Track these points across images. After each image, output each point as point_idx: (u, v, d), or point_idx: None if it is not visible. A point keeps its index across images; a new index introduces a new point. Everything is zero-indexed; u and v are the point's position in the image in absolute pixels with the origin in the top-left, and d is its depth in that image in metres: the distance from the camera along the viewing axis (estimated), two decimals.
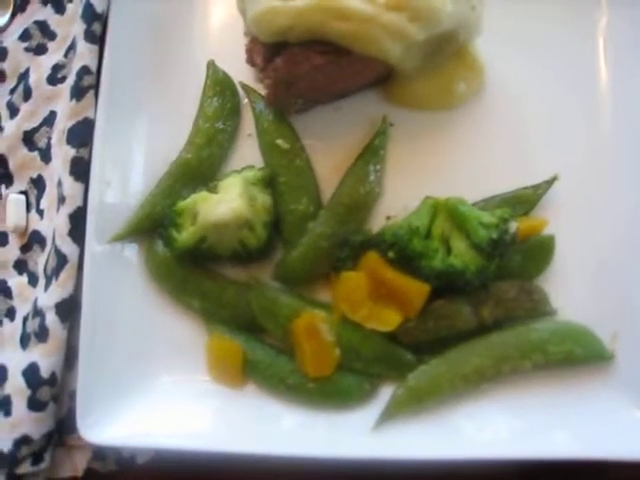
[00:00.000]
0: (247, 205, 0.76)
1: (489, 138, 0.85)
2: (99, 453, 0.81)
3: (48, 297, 0.80)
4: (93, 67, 0.85)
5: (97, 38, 0.86)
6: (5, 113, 0.90)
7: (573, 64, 0.87)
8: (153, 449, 0.79)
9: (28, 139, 0.89)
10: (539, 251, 0.80)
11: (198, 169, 0.83)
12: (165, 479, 0.81)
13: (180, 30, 0.89)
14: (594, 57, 0.87)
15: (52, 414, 0.79)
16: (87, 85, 0.84)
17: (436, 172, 0.84)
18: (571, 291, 0.80)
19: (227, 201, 0.75)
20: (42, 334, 0.80)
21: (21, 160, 0.89)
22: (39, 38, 0.92)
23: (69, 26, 0.91)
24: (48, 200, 0.86)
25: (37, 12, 0.93)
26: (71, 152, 0.83)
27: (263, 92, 0.83)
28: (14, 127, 0.89)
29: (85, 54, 0.85)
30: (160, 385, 0.80)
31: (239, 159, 0.85)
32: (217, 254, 0.80)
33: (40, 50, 0.92)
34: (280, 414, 0.77)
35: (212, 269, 0.82)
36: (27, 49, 0.92)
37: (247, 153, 0.85)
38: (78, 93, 0.84)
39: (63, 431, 0.81)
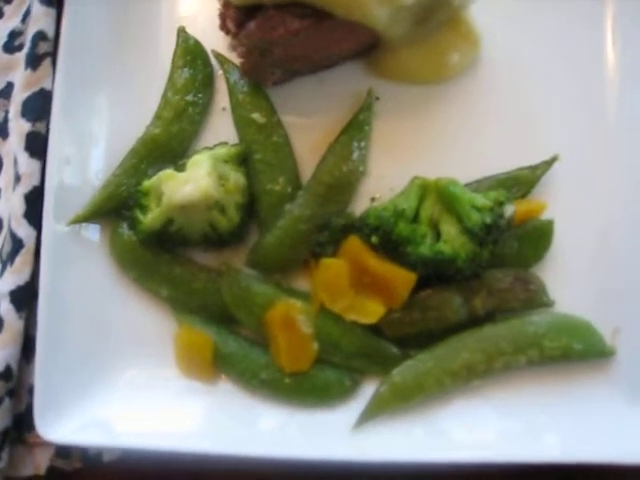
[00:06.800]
0: (216, 185, 0.73)
1: (484, 114, 0.81)
2: (62, 450, 0.78)
3: (2, 284, 0.77)
4: (50, 32, 0.81)
5: (54, 0, 0.81)
6: None
7: (578, 36, 0.82)
8: (118, 448, 0.76)
9: None
10: (536, 237, 0.76)
11: (166, 146, 0.79)
12: (134, 478, 0.78)
13: None
14: (601, 28, 0.82)
15: (8, 410, 0.76)
16: (43, 52, 0.80)
17: (425, 150, 0.80)
18: (570, 281, 0.76)
19: (193, 180, 0.71)
20: None
21: None
22: None
23: None
24: (5, 179, 0.82)
25: None
26: (26, 126, 0.79)
27: (238, 62, 0.79)
28: None
29: (40, 18, 0.80)
30: (125, 379, 0.77)
31: (212, 135, 0.82)
32: (186, 238, 0.76)
33: None
34: (254, 411, 0.75)
35: (182, 254, 0.79)
36: None
37: (221, 128, 0.82)
38: (33, 61, 0.80)
39: (22, 428, 0.78)
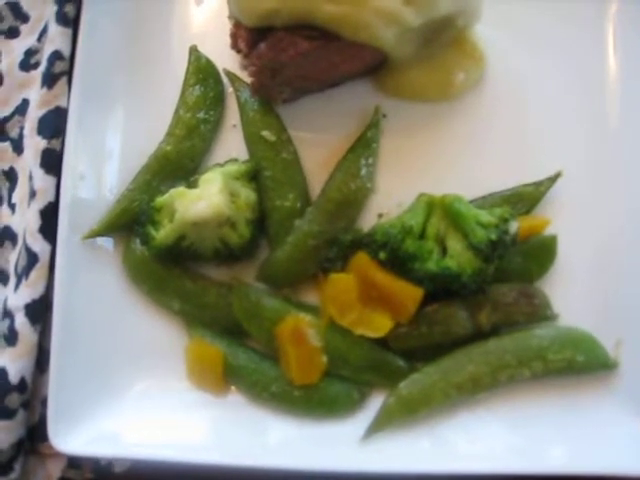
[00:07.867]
0: (228, 201, 0.73)
1: (489, 131, 0.82)
2: (74, 461, 0.79)
3: (17, 298, 0.77)
4: (66, 52, 0.82)
5: (70, 21, 0.82)
6: None
7: (580, 53, 0.83)
8: (129, 459, 0.76)
9: None
10: (540, 252, 0.77)
11: (178, 162, 0.80)
12: None
13: (161, 13, 0.85)
14: (602, 46, 0.83)
15: (22, 422, 0.76)
16: (59, 71, 0.81)
17: (432, 167, 0.81)
18: (573, 295, 0.77)
19: (206, 197, 0.72)
20: (11, 337, 0.76)
21: None
22: (11, 20, 0.89)
23: (43, 8, 0.87)
24: (20, 194, 0.83)
25: None
26: (42, 143, 0.80)
27: (248, 80, 0.79)
28: None
29: (56, 38, 0.81)
30: (137, 391, 0.77)
31: (223, 152, 0.82)
32: (198, 253, 0.76)
33: (12, 33, 0.88)
34: (264, 423, 0.75)
35: (193, 269, 0.79)
36: None
37: (231, 145, 0.82)
38: (49, 80, 0.81)
39: (35, 439, 0.79)
